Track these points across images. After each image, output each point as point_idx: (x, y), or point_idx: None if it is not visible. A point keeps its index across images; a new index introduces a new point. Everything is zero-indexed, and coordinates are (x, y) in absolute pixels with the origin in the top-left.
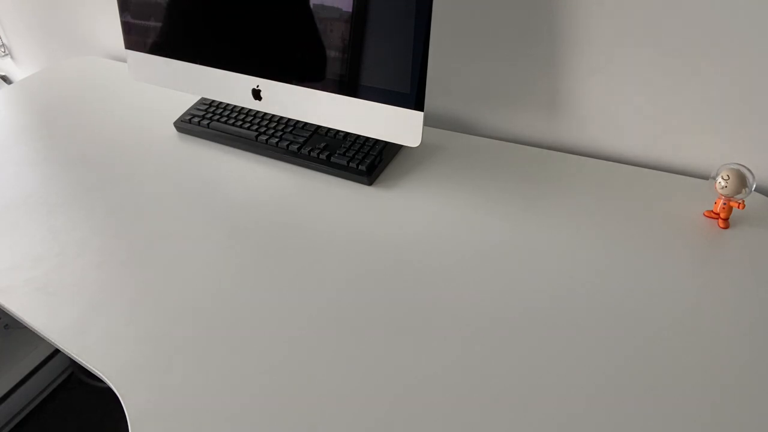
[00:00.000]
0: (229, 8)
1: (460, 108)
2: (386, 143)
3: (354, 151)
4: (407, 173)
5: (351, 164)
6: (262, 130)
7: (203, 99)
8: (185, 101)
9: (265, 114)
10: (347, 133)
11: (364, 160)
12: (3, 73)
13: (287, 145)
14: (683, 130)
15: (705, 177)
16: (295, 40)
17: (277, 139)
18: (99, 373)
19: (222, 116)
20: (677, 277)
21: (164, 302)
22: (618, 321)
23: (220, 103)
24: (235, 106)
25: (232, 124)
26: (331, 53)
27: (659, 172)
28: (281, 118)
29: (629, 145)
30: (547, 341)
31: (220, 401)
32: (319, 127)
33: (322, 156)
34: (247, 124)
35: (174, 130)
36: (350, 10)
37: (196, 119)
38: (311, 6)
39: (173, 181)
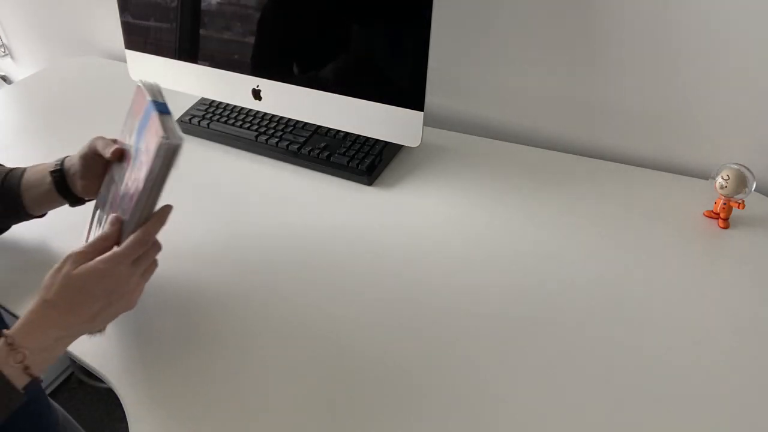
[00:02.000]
0: (229, 8)
1: (461, 108)
2: (386, 143)
3: (354, 151)
4: (407, 173)
5: (351, 164)
6: (262, 130)
7: (203, 99)
8: (185, 101)
9: (265, 114)
10: (347, 133)
11: (364, 160)
12: (3, 73)
13: (287, 145)
14: (683, 130)
15: (705, 177)
16: (295, 40)
17: (277, 139)
18: (99, 373)
19: (222, 116)
20: (677, 277)
21: (164, 302)
22: (617, 320)
23: (220, 103)
24: (235, 106)
25: (232, 125)
26: (331, 53)
27: (659, 172)
28: (281, 118)
29: (629, 145)
30: (547, 340)
31: (220, 402)
32: (319, 127)
33: (322, 156)
34: (247, 125)
35: None
36: (351, 10)
37: (196, 119)
38: (311, 6)
39: (173, 181)
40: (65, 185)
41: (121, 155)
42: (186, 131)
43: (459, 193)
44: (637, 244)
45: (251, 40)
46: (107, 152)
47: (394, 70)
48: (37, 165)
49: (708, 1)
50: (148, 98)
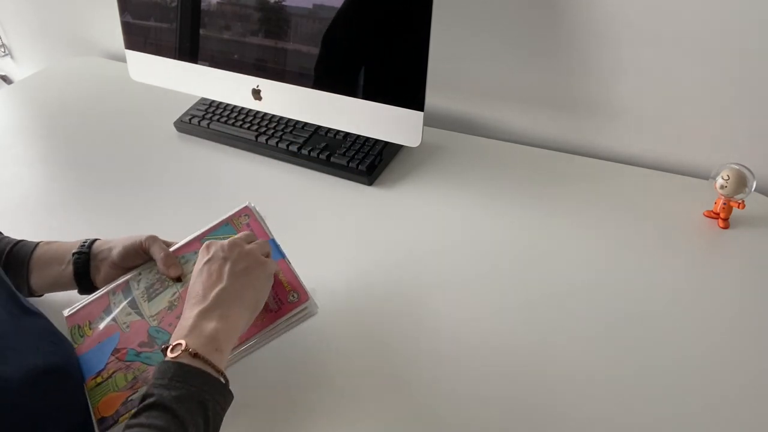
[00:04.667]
0: (229, 8)
1: (461, 108)
2: (386, 143)
3: (354, 151)
4: (407, 173)
5: (351, 164)
6: (262, 130)
7: (203, 99)
8: (185, 101)
9: (265, 114)
10: (347, 133)
11: (364, 160)
12: (3, 73)
13: (287, 146)
14: (683, 130)
15: (705, 177)
16: (295, 40)
17: (277, 140)
18: None
19: (222, 116)
20: (677, 277)
21: None
22: (618, 320)
23: (220, 103)
24: (235, 106)
25: (232, 125)
26: (331, 53)
27: (659, 172)
28: (281, 118)
29: (629, 146)
30: (547, 339)
31: None
32: (319, 127)
33: (322, 156)
34: (247, 125)
35: (174, 130)
36: (350, 10)
37: (196, 119)
38: (310, 6)
39: (173, 182)
40: (86, 269)
41: (178, 278)
42: (186, 131)
43: (459, 193)
44: (637, 244)
45: (251, 40)
46: (168, 271)
47: (395, 70)
48: (51, 242)
49: (707, 1)
50: (271, 236)
